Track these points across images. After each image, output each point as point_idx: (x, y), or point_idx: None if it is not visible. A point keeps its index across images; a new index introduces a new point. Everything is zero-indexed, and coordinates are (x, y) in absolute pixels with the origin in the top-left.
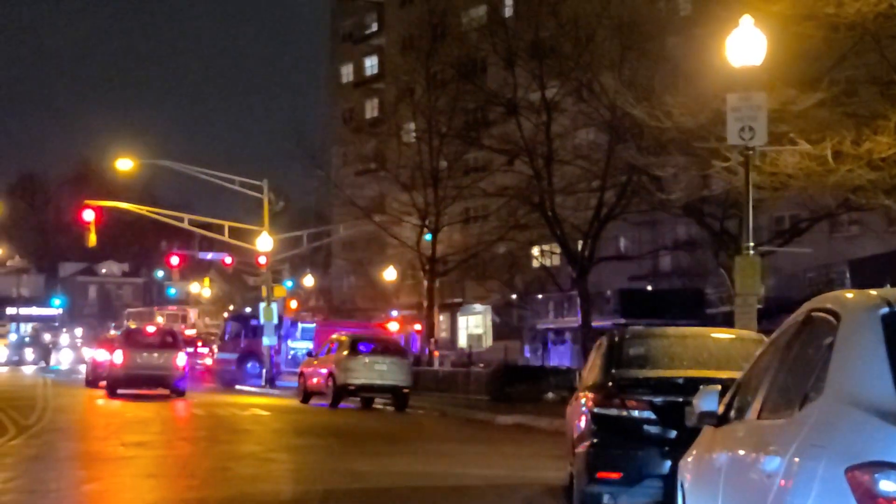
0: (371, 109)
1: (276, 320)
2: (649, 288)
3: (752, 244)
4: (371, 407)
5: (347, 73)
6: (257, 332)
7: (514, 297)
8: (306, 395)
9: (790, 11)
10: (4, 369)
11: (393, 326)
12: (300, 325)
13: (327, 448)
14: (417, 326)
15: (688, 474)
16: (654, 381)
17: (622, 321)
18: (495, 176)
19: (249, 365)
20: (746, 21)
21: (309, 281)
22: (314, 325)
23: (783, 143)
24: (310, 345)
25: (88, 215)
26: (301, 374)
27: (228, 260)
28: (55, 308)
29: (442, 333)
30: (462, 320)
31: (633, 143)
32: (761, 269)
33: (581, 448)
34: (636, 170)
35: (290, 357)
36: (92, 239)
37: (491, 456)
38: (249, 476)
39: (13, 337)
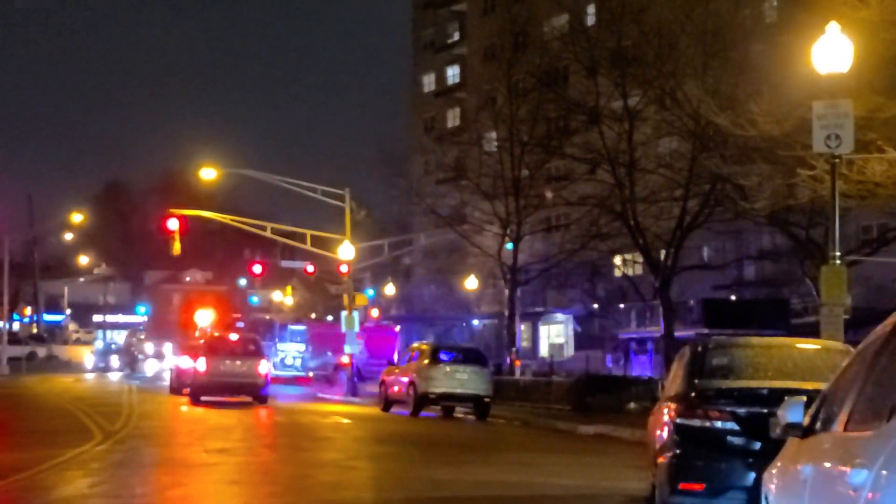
0: (452, 118)
1: (357, 328)
2: (733, 297)
3: (838, 253)
4: (452, 416)
5: (429, 82)
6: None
7: (595, 306)
8: (387, 403)
9: (877, 17)
10: (91, 376)
11: (391, 328)
12: (289, 328)
13: (408, 456)
14: (398, 327)
15: (772, 486)
16: (737, 392)
17: (705, 331)
18: (577, 185)
19: None
20: (833, 28)
21: (390, 289)
22: (304, 327)
23: (870, 151)
24: (301, 347)
25: (173, 224)
26: (382, 383)
27: (311, 268)
28: (140, 315)
29: (523, 343)
30: (543, 329)
31: (717, 152)
32: (848, 278)
33: (663, 459)
34: (720, 178)
35: (279, 360)
36: (176, 247)
37: (572, 466)
38: (331, 483)
39: (99, 344)
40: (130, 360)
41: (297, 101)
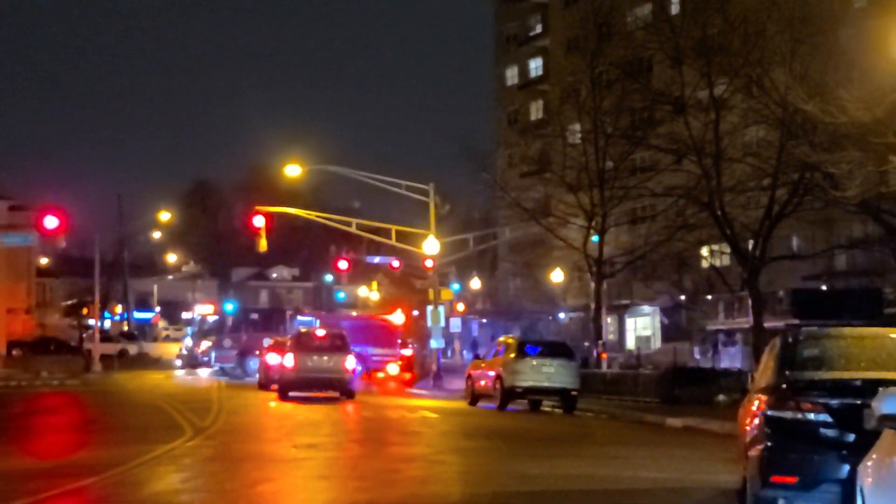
0: (536, 111)
1: (443, 323)
2: (824, 287)
3: None
4: (539, 409)
5: (512, 75)
6: (258, 327)
7: (682, 297)
8: (474, 397)
9: None
10: (181, 372)
11: (396, 318)
12: (297, 318)
13: (496, 450)
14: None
15: (867, 479)
16: (830, 383)
17: (795, 322)
18: (663, 175)
19: (251, 362)
20: None
21: (475, 283)
22: (310, 318)
23: None
24: None
25: (259, 221)
26: (469, 377)
27: (396, 263)
28: (228, 313)
29: (609, 335)
30: (630, 322)
31: (806, 140)
32: None
33: (754, 451)
34: (809, 167)
35: None
36: (262, 244)
37: (661, 459)
38: (419, 478)
39: (189, 341)
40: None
41: (381, 96)
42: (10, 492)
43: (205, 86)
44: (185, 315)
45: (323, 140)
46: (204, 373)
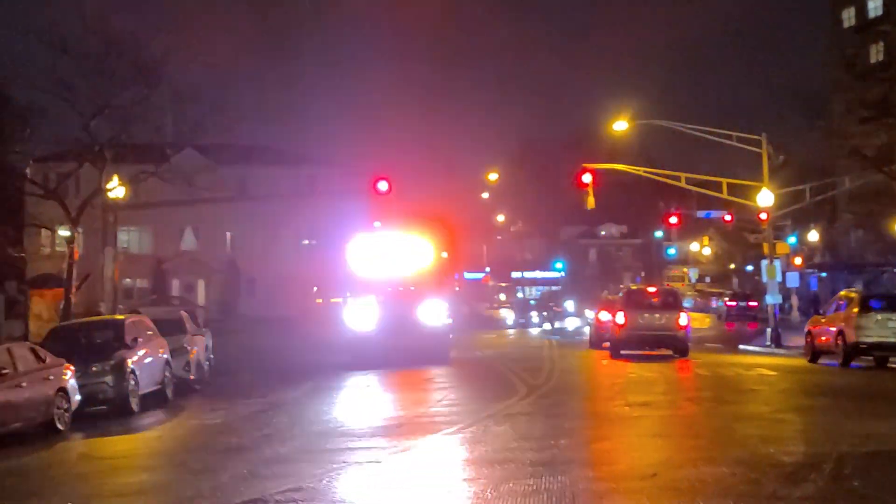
0: (876, 53)
1: (779, 277)
2: None
3: None
4: (886, 366)
5: (849, 17)
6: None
7: None
8: (814, 354)
9: None
10: (512, 332)
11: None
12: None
13: (839, 408)
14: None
15: None
16: None
17: None
18: None
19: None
20: None
21: (813, 236)
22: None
23: None
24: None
25: (586, 178)
26: (808, 333)
27: (728, 217)
28: (557, 271)
29: None
30: None
31: None
32: None
33: None
34: None
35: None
36: (590, 201)
37: None
38: (757, 437)
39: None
40: (550, 315)
41: (710, 47)
42: (349, 450)
43: (524, 46)
44: (514, 274)
45: (651, 94)
46: (534, 332)
